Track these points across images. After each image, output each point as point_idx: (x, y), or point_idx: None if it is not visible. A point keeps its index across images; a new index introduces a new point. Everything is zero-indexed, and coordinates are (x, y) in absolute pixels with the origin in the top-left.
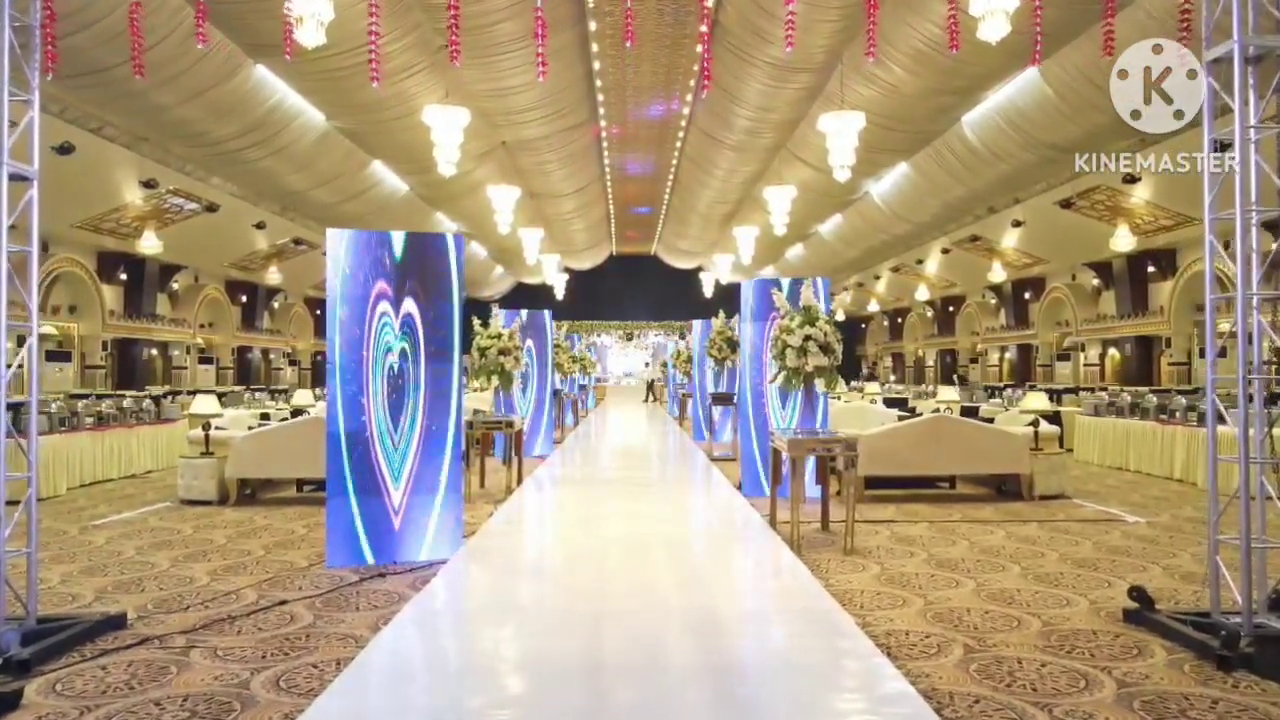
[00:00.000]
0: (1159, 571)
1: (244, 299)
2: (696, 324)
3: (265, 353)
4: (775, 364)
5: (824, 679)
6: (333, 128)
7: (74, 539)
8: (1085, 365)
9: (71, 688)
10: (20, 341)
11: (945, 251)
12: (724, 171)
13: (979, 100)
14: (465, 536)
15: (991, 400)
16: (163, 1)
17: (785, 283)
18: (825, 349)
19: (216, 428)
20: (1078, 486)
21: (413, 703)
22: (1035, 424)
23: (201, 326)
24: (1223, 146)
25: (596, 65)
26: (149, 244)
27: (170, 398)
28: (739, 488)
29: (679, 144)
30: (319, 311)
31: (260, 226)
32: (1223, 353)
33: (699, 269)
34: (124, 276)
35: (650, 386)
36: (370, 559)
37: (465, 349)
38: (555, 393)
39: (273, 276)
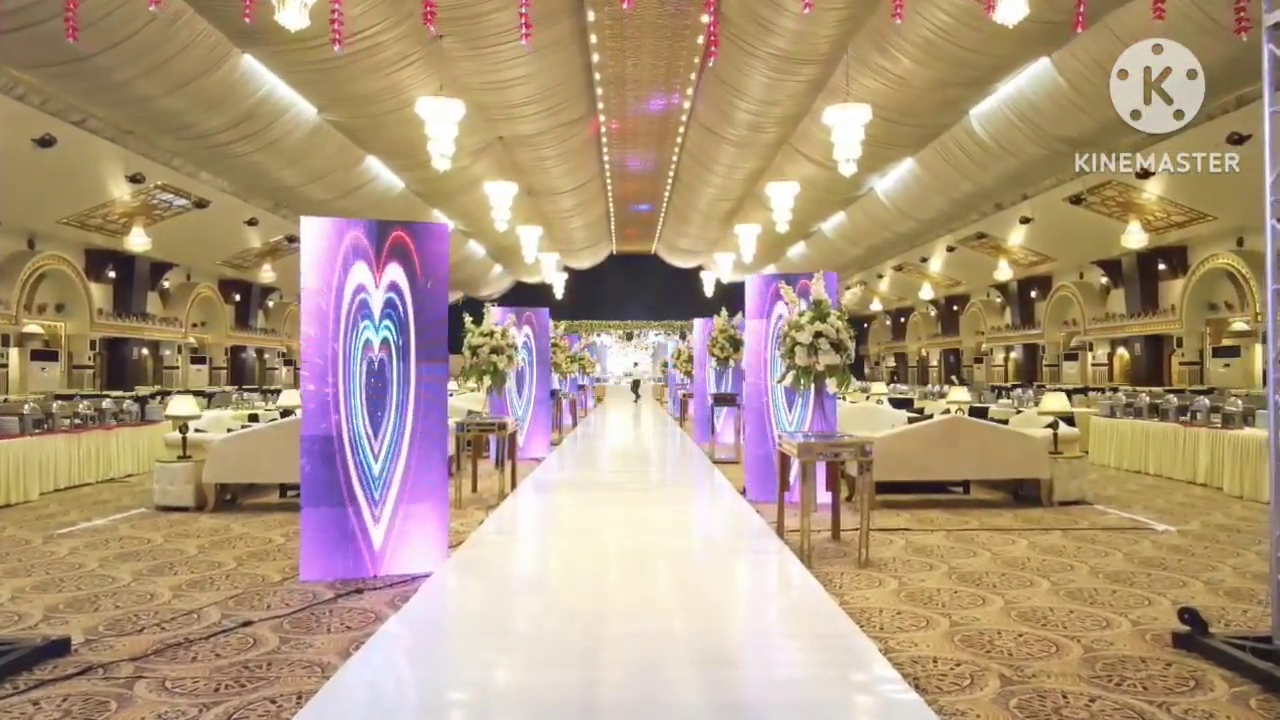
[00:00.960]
0: (1201, 587)
1: (237, 298)
2: (698, 323)
3: (260, 352)
4: (784, 362)
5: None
6: (325, 121)
7: (35, 549)
8: (1093, 365)
9: None
10: None
11: (950, 249)
12: (725, 167)
13: (989, 92)
14: (452, 547)
15: (1000, 401)
16: None
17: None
18: (837, 346)
19: (196, 430)
20: (1097, 491)
21: None
22: (1054, 426)
23: (194, 326)
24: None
25: (595, 57)
26: (138, 241)
27: (159, 399)
28: (743, 492)
29: (680, 139)
30: None
31: (252, 223)
32: (1236, 352)
33: (700, 268)
34: (113, 274)
35: (635, 386)
36: (348, 573)
37: (455, 349)
38: (553, 393)
39: (266, 275)
